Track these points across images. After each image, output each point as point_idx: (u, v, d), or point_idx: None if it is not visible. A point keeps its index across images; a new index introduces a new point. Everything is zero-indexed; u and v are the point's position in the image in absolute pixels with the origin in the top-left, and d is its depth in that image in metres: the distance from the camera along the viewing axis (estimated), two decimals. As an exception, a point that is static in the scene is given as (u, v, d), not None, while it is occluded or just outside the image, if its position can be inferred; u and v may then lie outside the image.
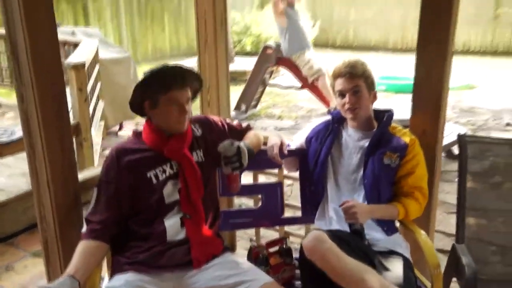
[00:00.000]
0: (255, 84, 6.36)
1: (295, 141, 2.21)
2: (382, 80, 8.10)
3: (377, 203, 1.85)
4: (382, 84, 7.85)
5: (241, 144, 1.76)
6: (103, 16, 11.37)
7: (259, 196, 2.25)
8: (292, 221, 2.28)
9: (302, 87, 6.33)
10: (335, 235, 1.65)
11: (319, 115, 6.39)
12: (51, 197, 1.86)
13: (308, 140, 2.10)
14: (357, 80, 1.88)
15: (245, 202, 3.32)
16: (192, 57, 11.42)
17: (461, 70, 8.43)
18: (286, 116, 6.37)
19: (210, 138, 1.88)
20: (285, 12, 5.93)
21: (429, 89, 2.14)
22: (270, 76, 6.72)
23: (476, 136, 2.32)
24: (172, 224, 1.70)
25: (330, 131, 2.01)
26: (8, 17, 1.71)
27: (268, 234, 2.41)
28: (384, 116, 1.96)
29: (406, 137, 1.91)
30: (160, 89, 1.66)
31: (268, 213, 2.22)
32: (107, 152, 2.79)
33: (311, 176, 2.05)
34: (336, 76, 1.93)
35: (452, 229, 2.24)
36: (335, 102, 2.06)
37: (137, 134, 1.82)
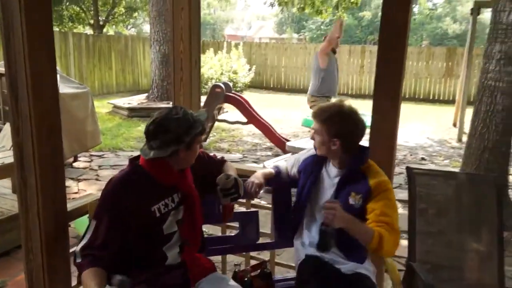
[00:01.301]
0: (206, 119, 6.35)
1: (284, 163, 2.21)
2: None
3: (346, 238, 1.72)
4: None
5: (236, 176, 1.81)
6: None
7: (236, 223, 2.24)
8: (267, 246, 2.28)
9: (247, 123, 6.44)
10: (309, 261, 1.79)
11: (263, 149, 6.50)
12: (40, 229, 1.75)
13: (299, 172, 2.09)
14: (319, 124, 1.86)
15: (206, 230, 3.25)
16: (137, 93, 11.29)
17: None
18: (234, 149, 6.41)
19: (198, 170, 1.86)
20: (328, 54, 5.43)
21: (384, 132, 2.24)
22: (218, 112, 6.79)
23: (421, 169, 2.47)
24: (172, 253, 1.68)
25: (315, 165, 2.02)
26: (9, 53, 1.62)
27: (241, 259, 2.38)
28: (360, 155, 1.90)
29: (374, 180, 1.80)
30: (199, 133, 1.65)
31: (245, 240, 2.21)
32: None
33: (295, 205, 2.06)
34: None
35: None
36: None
37: (137, 166, 1.68)
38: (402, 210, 3.57)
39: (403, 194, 3.73)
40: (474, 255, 2.32)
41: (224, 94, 6.24)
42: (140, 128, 7.70)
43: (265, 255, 2.44)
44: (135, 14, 15.21)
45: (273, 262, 2.36)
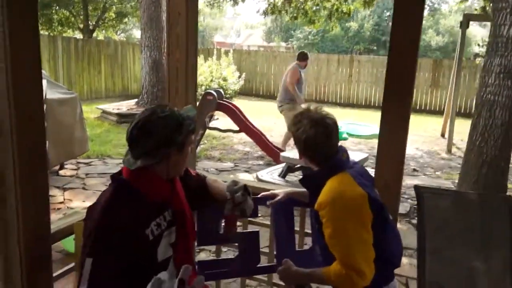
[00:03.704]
0: (197, 127, 6.15)
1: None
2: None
3: (327, 262, 1.56)
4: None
5: (244, 184, 1.65)
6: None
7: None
8: (269, 269, 2.09)
9: (239, 131, 6.24)
10: None
11: (254, 158, 6.31)
12: (21, 256, 1.53)
13: None
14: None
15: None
16: (126, 99, 11.02)
17: (367, 121, 8.96)
18: (225, 158, 6.20)
19: (189, 185, 1.66)
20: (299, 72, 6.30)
21: (393, 146, 2.11)
22: (210, 119, 6.57)
23: (430, 188, 2.32)
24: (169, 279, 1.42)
25: None
26: None
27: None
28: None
29: (317, 202, 1.55)
30: (191, 132, 1.42)
31: (245, 263, 2.01)
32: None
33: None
34: None
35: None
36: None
37: (122, 183, 1.40)
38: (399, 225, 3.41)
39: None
40: (486, 276, 2.17)
41: (216, 102, 6.04)
42: (129, 134, 7.45)
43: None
44: (125, 19, 14.94)
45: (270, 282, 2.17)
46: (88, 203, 4.05)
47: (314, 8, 7.01)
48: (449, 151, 7.40)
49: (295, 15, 7.06)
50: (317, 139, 1.56)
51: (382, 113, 2.10)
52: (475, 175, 3.82)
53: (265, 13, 7.22)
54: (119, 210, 1.33)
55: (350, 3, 7.07)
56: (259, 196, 1.96)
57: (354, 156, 4.37)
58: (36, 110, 1.51)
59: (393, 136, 2.11)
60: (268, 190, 1.97)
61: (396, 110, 2.09)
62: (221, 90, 6.27)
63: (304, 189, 1.87)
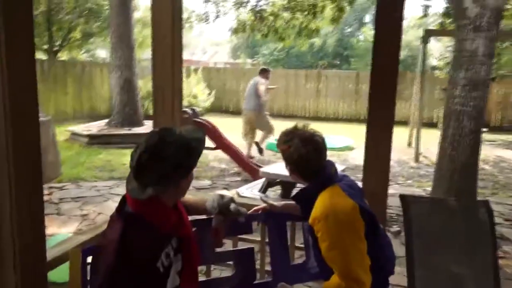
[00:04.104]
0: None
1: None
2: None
3: (326, 274, 1.62)
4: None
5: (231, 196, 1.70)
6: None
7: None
8: (265, 286, 2.09)
9: (215, 148, 6.24)
10: None
11: (231, 175, 6.31)
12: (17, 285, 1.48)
13: None
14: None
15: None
16: (96, 119, 10.78)
17: (336, 134, 9.17)
18: (202, 175, 6.16)
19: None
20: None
21: (378, 156, 2.19)
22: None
23: (415, 196, 2.41)
24: None
25: None
26: None
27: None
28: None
29: (311, 217, 1.60)
30: (200, 154, 1.39)
31: (241, 280, 2.01)
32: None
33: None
34: None
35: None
36: None
37: (130, 217, 1.33)
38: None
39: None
40: (472, 279, 2.25)
41: (192, 120, 6.03)
42: (101, 156, 7.28)
43: None
44: (91, 39, 14.70)
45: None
46: (65, 230, 3.94)
47: (284, 26, 7.17)
48: (416, 160, 7.66)
49: (266, 33, 7.21)
50: (309, 156, 1.61)
51: (368, 126, 2.19)
52: (447, 182, 3.97)
53: (236, 31, 7.33)
54: (135, 248, 1.27)
55: (318, 21, 7.29)
56: (251, 211, 1.99)
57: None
58: (34, 130, 1.49)
59: (378, 147, 2.20)
60: (257, 205, 2.00)
61: (380, 122, 2.18)
62: (195, 108, 6.28)
63: (295, 204, 1.92)
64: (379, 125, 2.17)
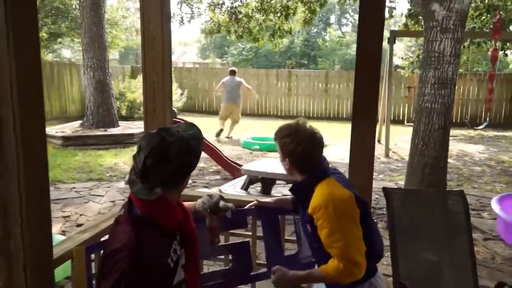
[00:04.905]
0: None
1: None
2: (254, 140, 8.48)
3: (320, 262, 1.70)
4: (256, 144, 8.21)
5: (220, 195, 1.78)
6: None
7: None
8: (262, 276, 2.16)
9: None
10: None
11: (210, 173, 6.34)
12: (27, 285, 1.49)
13: None
14: (276, 144, 1.80)
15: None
16: (66, 121, 10.50)
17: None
18: (182, 175, 6.15)
19: None
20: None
21: (364, 152, 2.29)
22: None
23: (397, 189, 2.54)
24: None
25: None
26: None
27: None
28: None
29: (311, 206, 1.66)
30: (200, 152, 1.43)
31: (238, 272, 2.08)
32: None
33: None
34: None
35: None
36: None
37: (139, 219, 1.33)
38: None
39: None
40: (452, 265, 2.39)
41: (172, 120, 6.00)
42: (78, 157, 7.12)
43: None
44: (60, 39, 14.27)
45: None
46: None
47: (258, 27, 7.25)
48: (386, 155, 7.93)
49: (240, 34, 7.26)
50: (311, 151, 1.71)
51: (353, 124, 2.27)
52: (419, 175, 4.17)
53: (211, 32, 7.34)
54: (147, 249, 1.28)
55: (290, 22, 7.41)
56: (246, 207, 2.06)
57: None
58: (41, 136, 1.50)
59: (363, 143, 2.29)
60: (251, 201, 2.08)
61: (364, 121, 2.27)
62: (174, 109, 6.24)
63: (287, 197, 2.04)
64: (363, 124, 2.26)
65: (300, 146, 1.69)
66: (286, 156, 1.74)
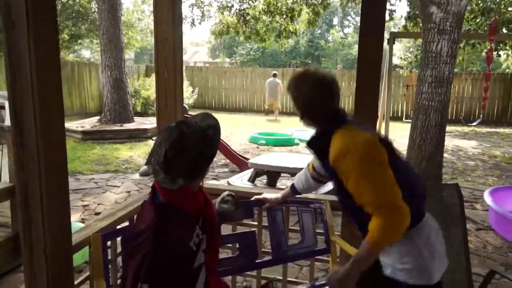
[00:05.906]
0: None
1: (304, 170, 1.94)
2: (260, 135, 8.46)
3: (358, 222, 1.45)
4: (262, 139, 8.18)
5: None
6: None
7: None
8: (266, 264, 2.15)
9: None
10: None
11: (219, 166, 6.34)
12: (48, 271, 1.49)
13: None
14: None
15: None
16: (85, 116, 10.57)
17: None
18: (192, 167, 6.16)
19: None
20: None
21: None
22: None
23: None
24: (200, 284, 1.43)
25: None
26: (14, 88, 1.39)
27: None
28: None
29: (331, 155, 1.39)
30: (218, 141, 1.40)
31: (246, 259, 2.07)
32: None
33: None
34: None
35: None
36: None
37: (164, 206, 1.33)
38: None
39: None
40: (448, 251, 2.36)
41: (183, 116, 6.00)
42: (96, 150, 7.16)
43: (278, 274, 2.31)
44: (80, 40, 14.32)
45: (285, 280, 2.25)
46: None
47: (265, 28, 7.20)
48: (385, 150, 7.84)
49: (248, 34, 7.22)
50: (322, 97, 1.45)
51: (355, 113, 2.24)
52: (416, 169, 4.13)
53: (220, 33, 7.31)
54: (169, 233, 1.28)
55: (295, 24, 7.36)
56: (252, 199, 2.06)
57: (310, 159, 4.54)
58: (60, 130, 1.50)
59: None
60: (259, 193, 2.07)
61: (365, 117, 2.25)
62: (185, 105, 6.23)
63: (287, 188, 2.01)
64: (365, 119, 2.24)
65: (309, 94, 1.45)
66: (299, 106, 1.50)
